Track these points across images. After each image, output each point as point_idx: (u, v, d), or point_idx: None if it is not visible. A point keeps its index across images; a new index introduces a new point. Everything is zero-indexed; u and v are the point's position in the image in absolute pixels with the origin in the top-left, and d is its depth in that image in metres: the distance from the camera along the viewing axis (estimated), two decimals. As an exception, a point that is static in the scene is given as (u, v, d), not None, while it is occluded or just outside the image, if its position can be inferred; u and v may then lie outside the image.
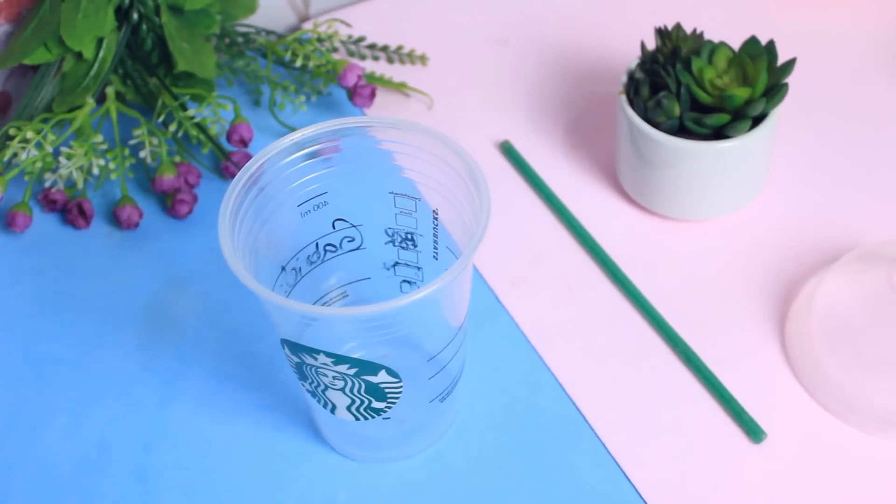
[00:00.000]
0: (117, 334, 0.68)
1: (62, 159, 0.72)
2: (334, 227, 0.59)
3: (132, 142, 0.74)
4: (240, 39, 0.80)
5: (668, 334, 0.66)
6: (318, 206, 0.58)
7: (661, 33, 0.68)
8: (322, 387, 0.56)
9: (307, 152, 0.57)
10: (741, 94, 0.65)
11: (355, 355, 0.55)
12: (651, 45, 0.74)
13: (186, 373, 0.66)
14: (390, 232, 0.60)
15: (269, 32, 0.81)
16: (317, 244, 0.60)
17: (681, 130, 0.67)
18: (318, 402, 0.58)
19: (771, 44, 0.67)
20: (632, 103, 0.68)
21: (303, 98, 0.78)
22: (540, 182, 0.74)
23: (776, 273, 0.69)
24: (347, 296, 0.63)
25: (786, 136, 0.74)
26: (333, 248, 0.60)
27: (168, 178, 0.72)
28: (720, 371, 0.64)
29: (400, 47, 0.81)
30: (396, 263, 0.61)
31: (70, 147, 0.72)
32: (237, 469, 0.62)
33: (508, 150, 0.76)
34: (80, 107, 0.74)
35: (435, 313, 0.54)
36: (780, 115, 0.69)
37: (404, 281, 0.62)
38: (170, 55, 0.75)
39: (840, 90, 0.79)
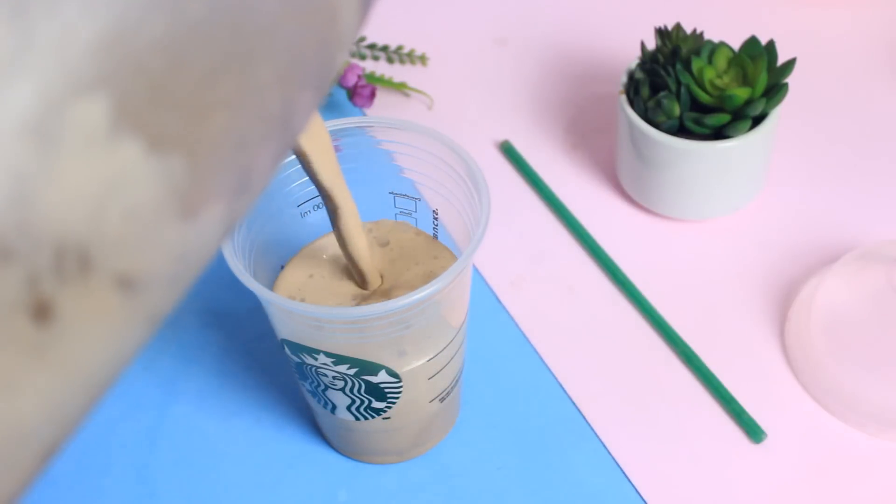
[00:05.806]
0: (117, 334, 0.68)
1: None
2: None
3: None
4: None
5: (669, 334, 0.66)
6: (318, 206, 0.58)
7: (661, 33, 0.68)
8: (322, 387, 0.56)
9: (307, 152, 0.57)
10: (741, 94, 0.65)
11: (355, 355, 0.55)
12: (651, 45, 0.74)
13: (186, 372, 0.66)
14: (390, 232, 0.60)
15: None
16: (317, 244, 0.60)
17: (681, 130, 0.67)
18: (318, 402, 0.58)
19: (771, 44, 0.67)
20: (632, 103, 0.68)
21: (303, 98, 0.78)
22: (540, 182, 0.74)
23: (776, 273, 0.68)
24: (347, 296, 0.62)
25: (786, 135, 0.74)
26: (333, 248, 0.60)
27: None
28: (720, 371, 0.64)
29: (400, 47, 0.81)
30: (396, 263, 0.61)
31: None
32: (237, 469, 0.62)
33: (508, 150, 0.76)
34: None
35: (435, 313, 0.54)
36: (780, 115, 0.69)
37: (404, 281, 0.62)
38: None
39: (840, 90, 0.78)
